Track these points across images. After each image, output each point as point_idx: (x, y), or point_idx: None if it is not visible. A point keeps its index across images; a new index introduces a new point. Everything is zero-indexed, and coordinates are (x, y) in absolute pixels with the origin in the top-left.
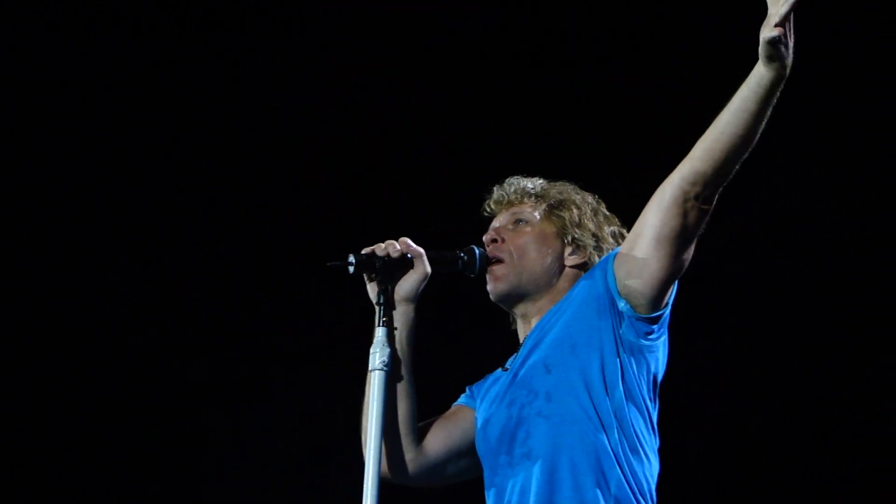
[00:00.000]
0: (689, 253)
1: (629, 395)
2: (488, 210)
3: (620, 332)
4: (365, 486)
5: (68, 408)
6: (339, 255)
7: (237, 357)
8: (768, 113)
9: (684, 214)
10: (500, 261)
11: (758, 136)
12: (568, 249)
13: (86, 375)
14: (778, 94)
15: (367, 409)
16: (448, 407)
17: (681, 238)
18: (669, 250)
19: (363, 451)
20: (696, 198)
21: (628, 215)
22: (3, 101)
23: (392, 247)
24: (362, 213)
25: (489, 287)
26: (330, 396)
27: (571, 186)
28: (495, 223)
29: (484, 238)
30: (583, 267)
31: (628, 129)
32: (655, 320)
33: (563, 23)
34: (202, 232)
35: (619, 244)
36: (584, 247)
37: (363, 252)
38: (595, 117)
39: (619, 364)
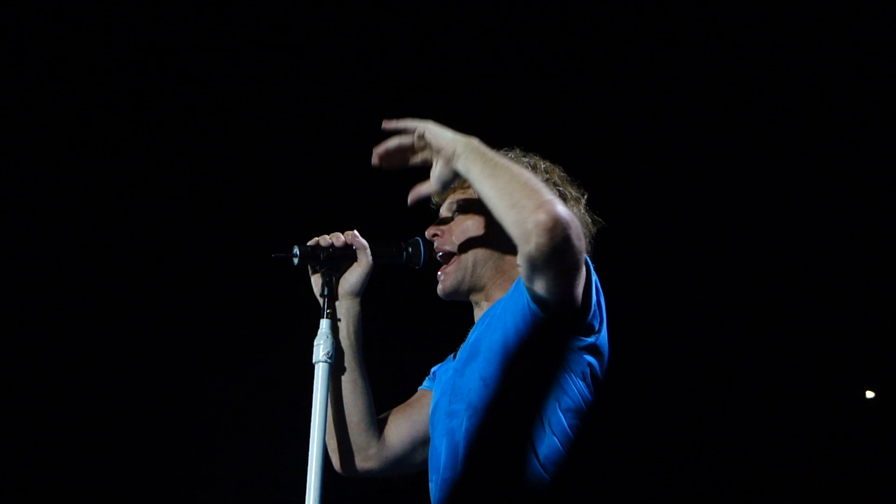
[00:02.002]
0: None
1: (560, 399)
2: (433, 202)
3: (550, 338)
4: (308, 479)
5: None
6: (285, 246)
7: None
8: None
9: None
10: (446, 255)
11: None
12: None
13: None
14: (494, 169)
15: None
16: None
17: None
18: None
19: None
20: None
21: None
22: None
23: (336, 238)
24: (312, 205)
25: (438, 288)
26: (280, 390)
27: (508, 154)
28: (441, 213)
29: (426, 233)
30: None
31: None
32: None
33: None
34: (151, 228)
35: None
36: None
37: (308, 244)
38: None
39: (551, 370)
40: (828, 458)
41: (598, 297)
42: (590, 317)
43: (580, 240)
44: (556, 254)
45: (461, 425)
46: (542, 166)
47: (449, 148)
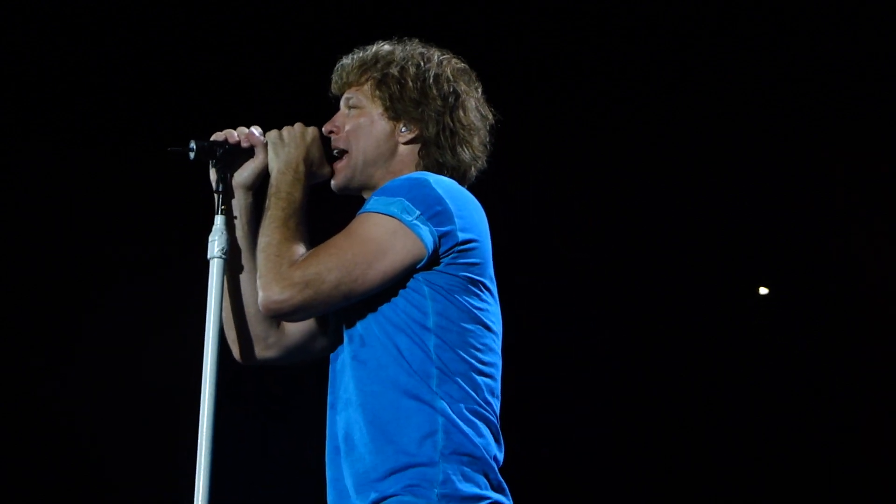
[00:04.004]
0: None
1: (440, 318)
2: (331, 93)
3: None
4: (203, 372)
5: None
6: (185, 141)
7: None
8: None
9: None
10: (340, 152)
11: None
12: (399, 126)
13: None
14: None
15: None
16: None
17: None
18: None
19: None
20: None
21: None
22: None
23: (231, 135)
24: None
25: (332, 183)
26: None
27: (405, 48)
28: (340, 107)
29: (323, 129)
30: (419, 140)
31: None
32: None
33: None
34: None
35: (446, 104)
36: (415, 119)
37: (211, 139)
38: None
39: (426, 290)
40: (723, 354)
41: (433, 225)
42: (433, 246)
43: (309, 290)
44: (298, 316)
45: (345, 335)
46: (437, 59)
47: (267, 160)
